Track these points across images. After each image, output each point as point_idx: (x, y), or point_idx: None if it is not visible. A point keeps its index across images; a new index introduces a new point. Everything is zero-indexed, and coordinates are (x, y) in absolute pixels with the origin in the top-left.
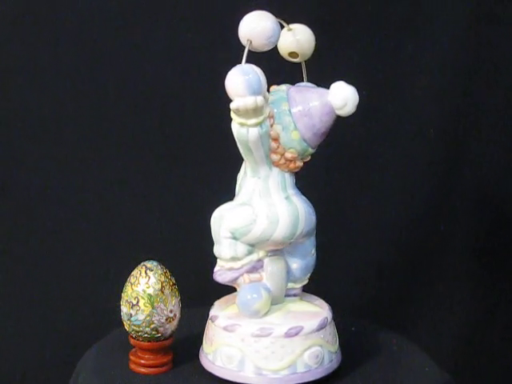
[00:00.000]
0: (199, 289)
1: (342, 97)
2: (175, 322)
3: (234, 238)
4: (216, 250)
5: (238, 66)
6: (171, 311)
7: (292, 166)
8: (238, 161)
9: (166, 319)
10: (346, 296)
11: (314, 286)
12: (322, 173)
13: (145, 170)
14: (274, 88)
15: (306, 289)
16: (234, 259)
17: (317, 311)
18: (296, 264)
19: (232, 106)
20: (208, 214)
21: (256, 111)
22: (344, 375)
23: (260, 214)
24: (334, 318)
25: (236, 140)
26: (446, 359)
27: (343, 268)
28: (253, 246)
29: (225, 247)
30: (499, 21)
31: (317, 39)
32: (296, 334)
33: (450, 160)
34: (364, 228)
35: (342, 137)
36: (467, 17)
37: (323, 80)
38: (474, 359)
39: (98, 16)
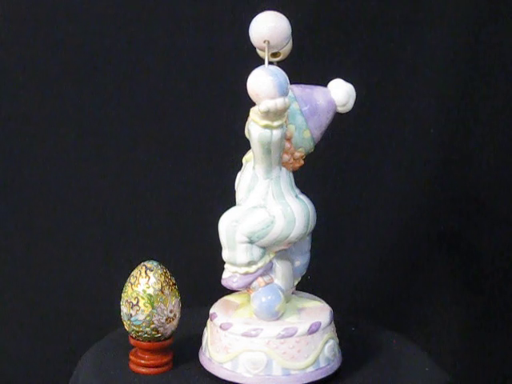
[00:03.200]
0: (199, 289)
1: (345, 94)
2: (175, 322)
3: (250, 242)
4: (229, 257)
5: (263, 67)
6: (171, 311)
7: (297, 165)
8: (238, 162)
9: (166, 319)
10: (346, 296)
11: (314, 286)
12: (321, 172)
13: (145, 170)
14: None
15: (307, 288)
16: (250, 264)
17: (321, 305)
18: (298, 262)
19: (261, 108)
20: (208, 214)
21: (282, 112)
22: (344, 375)
23: (277, 215)
24: (334, 318)
25: (256, 142)
26: (446, 359)
27: (343, 267)
28: (265, 248)
29: (241, 252)
30: (499, 20)
31: (317, 38)
32: (316, 330)
33: (450, 160)
34: (364, 228)
35: (342, 136)
36: (467, 16)
37: (323, 79)
38: (474, 359)
39: (99, 14)
